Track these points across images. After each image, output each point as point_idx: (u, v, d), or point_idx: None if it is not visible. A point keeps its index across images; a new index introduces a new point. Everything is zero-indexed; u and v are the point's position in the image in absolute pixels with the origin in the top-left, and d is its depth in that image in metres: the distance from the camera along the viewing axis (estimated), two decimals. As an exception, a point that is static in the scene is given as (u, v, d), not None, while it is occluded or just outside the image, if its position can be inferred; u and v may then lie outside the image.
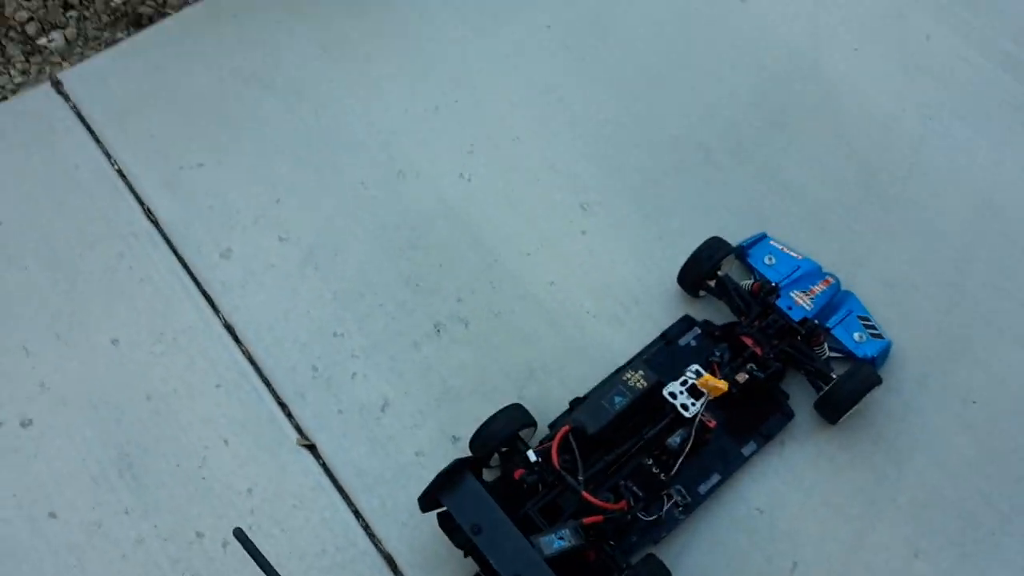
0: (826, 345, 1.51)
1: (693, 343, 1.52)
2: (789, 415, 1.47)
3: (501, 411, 1.37)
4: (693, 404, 1.35)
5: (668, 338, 1.53)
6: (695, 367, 1.38)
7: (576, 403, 1.43)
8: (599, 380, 1.48)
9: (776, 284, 1.53)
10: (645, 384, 1.37)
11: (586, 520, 1.25)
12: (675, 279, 1.60)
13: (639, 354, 1.52)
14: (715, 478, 1.40)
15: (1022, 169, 1.78)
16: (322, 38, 1.93)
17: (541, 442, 1.38)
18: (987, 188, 1.76)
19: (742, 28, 1.98)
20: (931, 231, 1.71)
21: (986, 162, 1.80)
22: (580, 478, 1.27)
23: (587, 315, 1.61)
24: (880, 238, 1.70)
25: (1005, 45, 1.96)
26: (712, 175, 1.77)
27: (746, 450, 1.43)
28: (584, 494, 1.26)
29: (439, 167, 1.77)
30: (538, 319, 1.60)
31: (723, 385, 1.35)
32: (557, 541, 1.23)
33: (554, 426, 1.42)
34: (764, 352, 1.43)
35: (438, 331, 1.58)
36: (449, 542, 1.29)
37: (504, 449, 1.36)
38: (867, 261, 1.67)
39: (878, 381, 1.43)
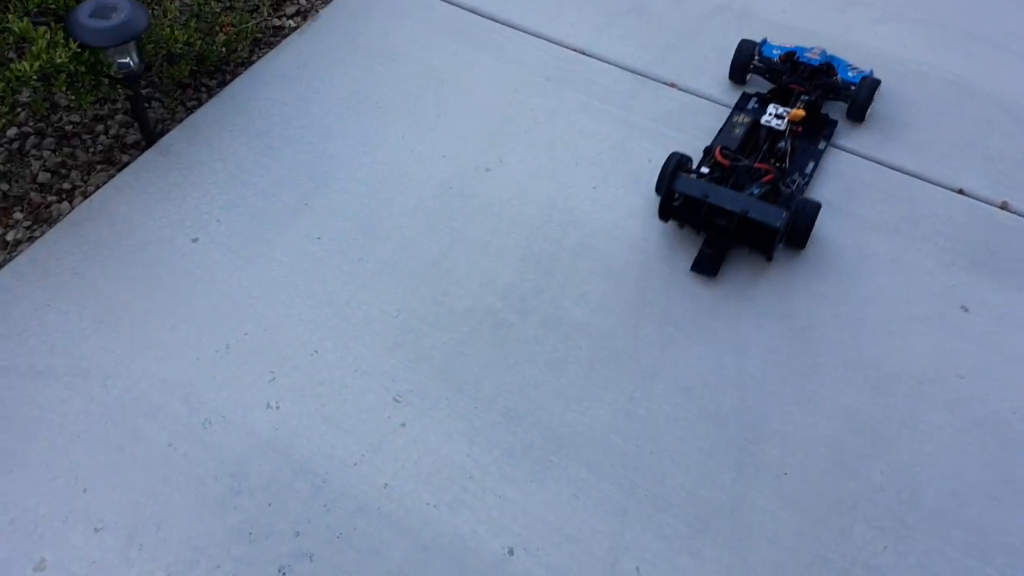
0: (838, 77, 2.33)
1: (756, 106, 2.32)
2: (834, 123, 2.30)
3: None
4: (781, 121, 2.13)
5: (739, 107, 2.32)
6: (771, 107, 2.18)
7: (707, 152, 2.14)
8: None
9: (793, 51, 2.34)
10: (750, 119, 2.19)
11: (764, 179, 2.00)
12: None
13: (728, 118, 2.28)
14: (811, 165, 2.20)
15: (757, 256, 2.04)
16: (94, 311, 1.91)
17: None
18: (739, 280, 2.00)
19: (494, 193, 2.16)
20: (703, 331, 1.90)
21: (731, 254, 2.04)
22: (745, 162, 2.05)
23: (429, 507, 1.63)
24: (666, 349, 1.87)
25: (713, 152, 2.26)
26: (506, 334, 1.89)
27: (820, 147, 2.24)
28: (755, 164, 2.05)
29: (244, 404, 1.77)
30: (381, 528, 1.60)
31: (801, 112, 2.14)
32: (756, 189, 1.98)
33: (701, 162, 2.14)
34: (807, 89, 2.25)
35: (284, 575, 1.54)
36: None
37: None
38: (661, 375, 1.83)
39: (878, 83, 2.29)
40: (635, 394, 1.79)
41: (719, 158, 2.07)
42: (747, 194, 1.96)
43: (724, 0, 2.69)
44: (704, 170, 2.06)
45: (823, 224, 2.08)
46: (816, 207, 2.00)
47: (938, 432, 1.75)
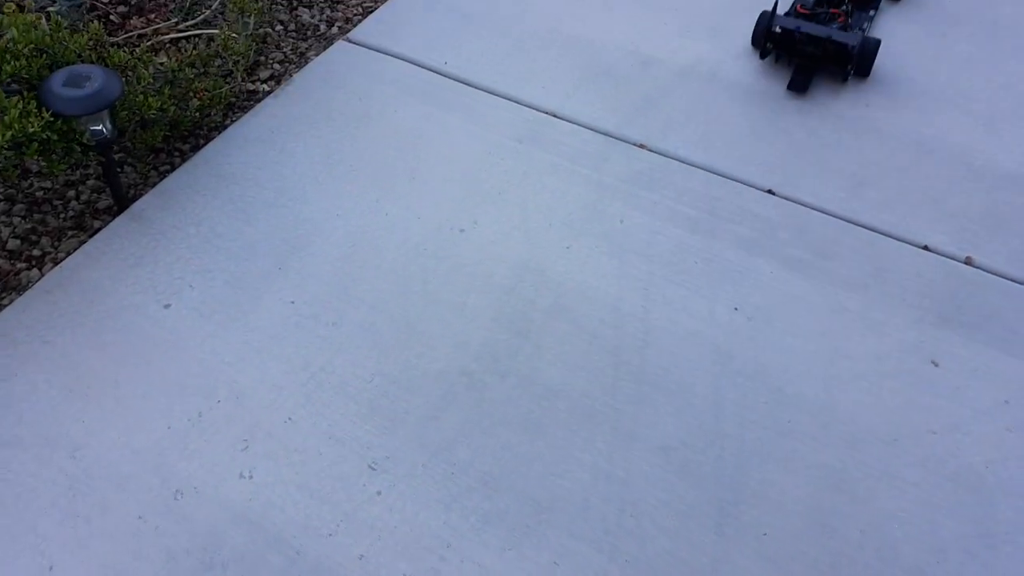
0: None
1: None
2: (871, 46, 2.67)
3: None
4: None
5: None
6: None
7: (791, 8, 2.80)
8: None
9: None
10: None
11: (839, 20, 2.67)
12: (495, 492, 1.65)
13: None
14: (867, 23, 2.77)
15: (731, 312, 2.06)
16: (64, 379, 1.88)
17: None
18: (712, 336, 2.01)
19: (468, 254, 2.17)
20: (681, 388, 1.91)
21: (703, 313, 2.06)
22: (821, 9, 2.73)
23: (405, 577, 1.60)
24: (642, 408, 1.87)
25: (686, 212, 2.30)
26: (481, 396, 1.88)
27: (871, 13, 2.82)
28: (832, 10, 2.70)
29: (217, 474, 1.74)
30: (357, 599, 1.57)
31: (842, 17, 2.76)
32: (835, 26, 2.65)
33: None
34: None
35: (257, 652, 1.50)
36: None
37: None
38: (637, 433, 1.82)
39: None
40: (613, 455, 1.78)
41: (800, 9, 2.74)
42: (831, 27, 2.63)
43: (690, 63, 2.76)
44: (779, 30, 2.65)
45: (790, 280, 2.12)
46: (877, 42, 2.62)
47: (914, 488, 1.75)
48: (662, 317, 2.05)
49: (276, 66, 2.74)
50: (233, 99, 2.59)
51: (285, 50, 2.80)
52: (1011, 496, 1.75)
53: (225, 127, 2.50)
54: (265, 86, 2.66)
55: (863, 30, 2.75)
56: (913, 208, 2.32)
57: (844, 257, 2.19)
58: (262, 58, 2.75)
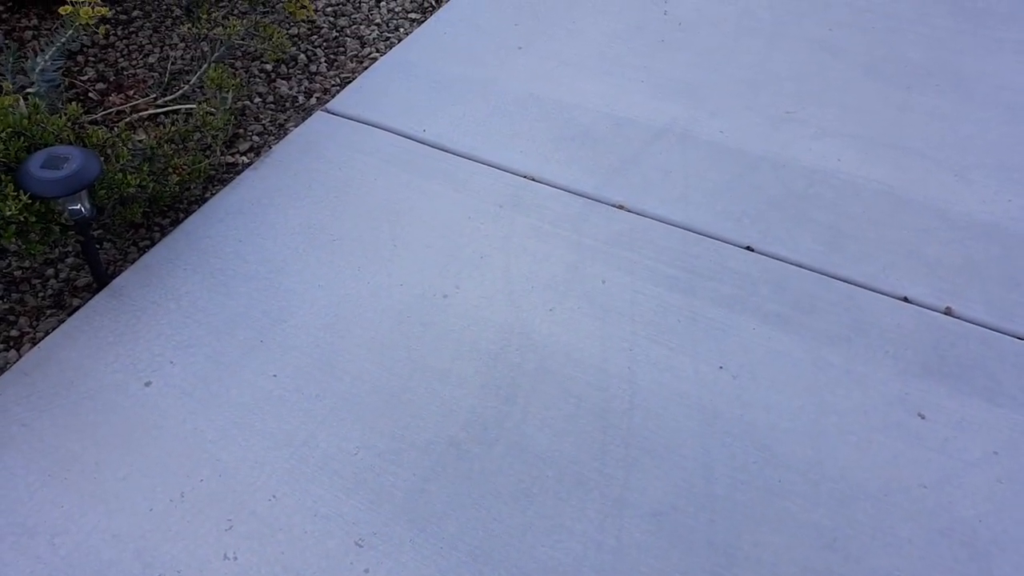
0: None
1: None
2: None
3: None
4: None
5: None
6: None
7: None
8: None
9: None
10: None
11: None
12: (467, 588, 1.61)
13: None
14: None
15: (716, 371, 2.06)
16: (42, 463, 1.84)
17: None
18: (699, 396, 2.01)
19: (452, 320, 2.17)
20: (670, 450, 1.90)
21: (688, 372, 2.06)
22: None
23: (395, 659, 1.56)
24: (632, 473, 1.85)
25: (666, 271, 2.31)
26: (470, 466, 1.86)
27: None
28: None
29: (200, 556, 1.69)
30: None
31: None
32: None
33: None
34: None
35: None
36: None
37: None
38: (628, 499, 1.80)
39: None
40: (605, 523, 1.76)
41: None
42: None
43: (664, 125, 2.81)
44: None
45: (772, 337, 2.13)
46: None
47: (907, 545, 1.74)
48: (648, 378, 2.04)
49: (255, 138, 2.76)
50: (213, 172, 2.60)
51: (264, 122, 2.82)
52: (1006, 550, 1.73)
53: (205, 200, 2.51)
54: (245, 158, 2.68)
55: None
56: (891, 260, 2.34)
57: (825, 311, 2.20)
58: (241, 130, 2.77)
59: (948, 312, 2.21)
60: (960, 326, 2.18)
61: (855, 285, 2.28)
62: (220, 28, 2.52)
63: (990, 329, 2.17)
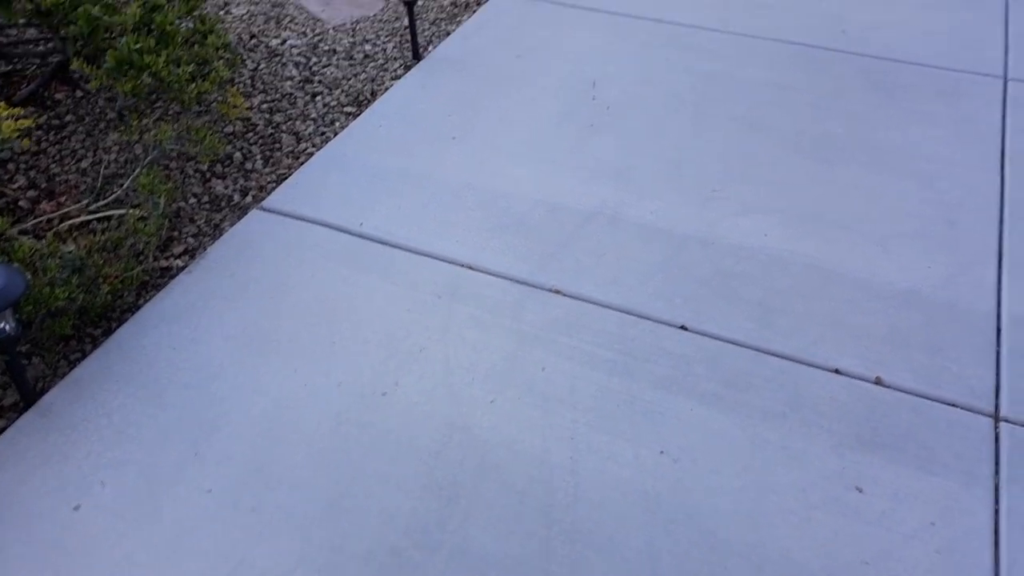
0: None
1: None
2: None
3: None
4: None
5: None
6: None
7: None
8: None
9: None
10: None
11: None
12: None
13: None
14: None
15: (656, 456, 2.07)
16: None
17: None
18: (641, 482, 2.01)
19: (391, 419, 2.15)
20: (614, 543, 1.89)
21: (629, 459, 2.07)
22: None
23: None
24: (577, 572, 1.83)
25: (604, 354, 2.34)
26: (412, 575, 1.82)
27: None
28: None
29: None
30: None
31: None
32: None
33: None
34: None
35: None
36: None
37: None
38: (574, 597, 1.78)
39: None
40: (550, 624, 1.73)
41: None
42: None
43: (595, 208, 2.87)
44: None
45: (709, 417, 2.15)
46: None
47: (854, 626, 1.74)
48: (590, 467, 2.04)
49: (190, 240, 2.75)
50: (146, 278, 2.57)
51: (199, 223, 2.82)
52: (948, 624, 1.74)
53: (139, 308, 2.48)
54: (179, 262, 2.66)
55: None
56: (821, 332, 2.40)
57: (760, 388, 2.24)
58: (175, 233, 2.76)
59: (878, 382, 2.26)
60: (891, 395, 2.23)
61: (787, 359, 2.33)
62: (150, 133, 2.54)
63: (919, 396, 2.22)
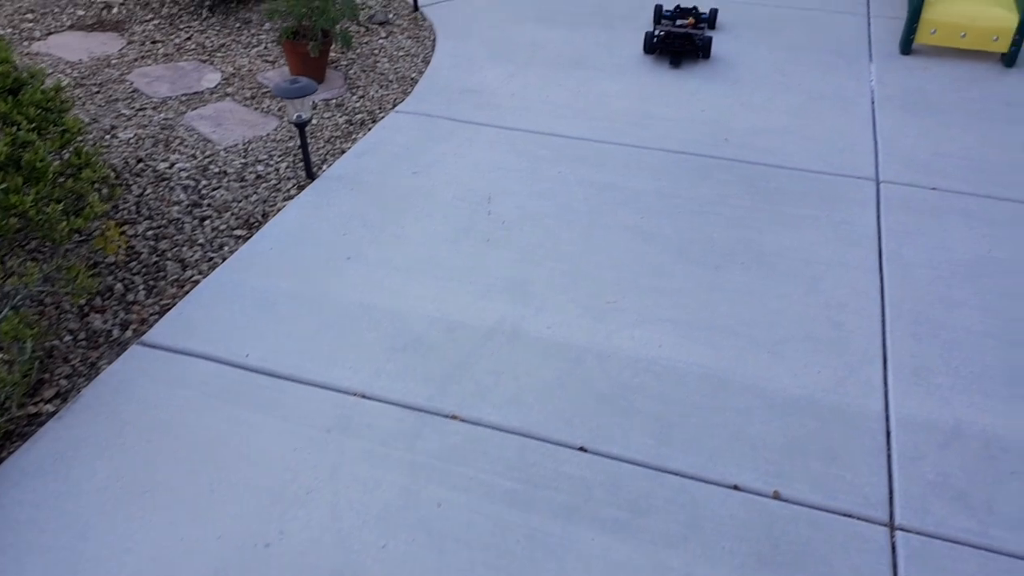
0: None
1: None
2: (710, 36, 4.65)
3: None
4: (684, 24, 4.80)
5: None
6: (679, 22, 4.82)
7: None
8: None
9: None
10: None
11: (688, 24, 4.78)
12: None
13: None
14: (709, 34, 4.78)
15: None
16: None
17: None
18: (541, 625, 1.92)
19: (273, 574, 2.01)
20: None
21: (530, 599, 1.98)
22: (679, 22, 4.83)
23: None
24: None
25: (503, 484, 2.26)
26: None
27: (709, 35, 4.70)
28: (688, 21, 4.86)
29: None
30: None
31: (692, 20, 4.86)
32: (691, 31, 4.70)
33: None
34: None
35: None
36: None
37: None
38: None
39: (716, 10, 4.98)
40: None
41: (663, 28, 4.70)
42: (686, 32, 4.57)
43: (494, 324, 2.85)
44: (660, 32, 4.67)
45: (611, 547, 2.09)
46: (710, 37, 4.65)
47: None
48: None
49: (63, 382, 2.59)
50: (12, 427, 2.39)
51: (74, 362, 2.66)
52: None
53: (1, 461, 2.29)
54: (49, 406, 2.49)
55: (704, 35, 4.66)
56: (718, 446, 2.40)
57: (660, 510, 2.20)
58: (47, 375, 2.60)
59: (776, 496, 2.25)
60: (789, 509, 2.22)
61: (687, 478, 2.30)
62: (15, 277, 2.40)
63: (816, 509, 2.22)
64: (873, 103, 4.26)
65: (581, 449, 2.38)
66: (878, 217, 3.40)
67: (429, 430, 2.44)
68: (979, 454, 2.39)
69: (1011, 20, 4.50)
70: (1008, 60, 4.61)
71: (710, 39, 4.64)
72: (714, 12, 5.03)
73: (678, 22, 4.88)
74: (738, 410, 2.52)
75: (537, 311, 2.92)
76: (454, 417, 2.49)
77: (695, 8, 5.01)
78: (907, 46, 4.75)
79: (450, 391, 2.58)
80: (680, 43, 4.60)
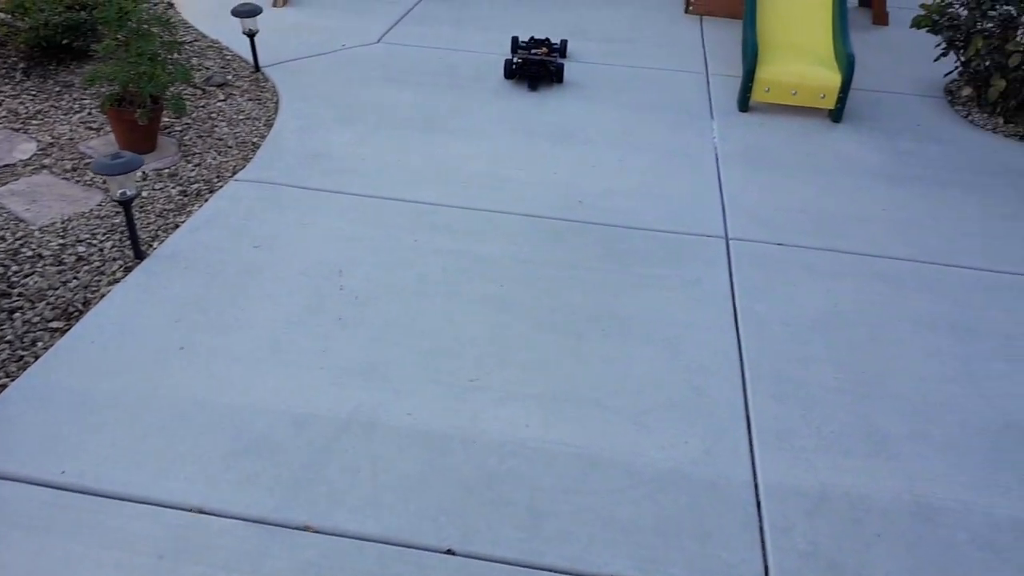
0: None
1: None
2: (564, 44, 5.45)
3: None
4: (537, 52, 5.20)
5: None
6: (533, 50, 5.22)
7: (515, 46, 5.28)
8: None
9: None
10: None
11: (542, 53, 5.19)
12: None
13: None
14: (561, 61, 5.21)
15: None
16: None
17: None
18: None
19: None
20: None
21: None
22: (534, 52, 5.21)
23: None
24: None
25: (361, 601, 2.05)
26: None
27: (561, 62, 5.18)
28: (542, 50, 5.25)
29: None
30: None
31: (546, 49, 5.28)
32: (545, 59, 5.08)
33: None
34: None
35: None
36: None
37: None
38: None
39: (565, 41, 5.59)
40: None
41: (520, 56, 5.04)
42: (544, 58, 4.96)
43: (349, 414, 2.64)
44: (518, 59, 5.03)
45: (489, 664, 1.91)
46: (562, 64, 5.11)
47: None
48: None
49: None
50: None
51: None
52: None
53: None
54: None
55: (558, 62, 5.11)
56: (591, 533, 2.28)
57: (535, 615, 2.05)
58: None
59: (654, 585, 2.15)
60: (667, 599, 2.12)
61: (559, 573, 2.17)
62: None
63: (695, 595, 2.14)
64: (718, 160, 4.38)
65: (449, 552, 2.21)
66: (730, 275, 3.46)
67: (278, 546, 2.19)
68: (845, 518, 2.40)
69: (835, 80, 4.79)
70: (835, 116, 4.89)
71: (562, 65, 5.11)
72: (564, 42, 5.48)
73: (533, 51, 5.24)
74: (609, 491, 2.43)
75: (396, 396, 2.73)
76: (307, 528, 2.26)
77: (547, 39, 5.44)
78: (744, 104, 4.96)
79: (301, 497, 2.34)
80: (536, 68, 5.03)
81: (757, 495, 2.45)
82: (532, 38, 5.47)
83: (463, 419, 2.65)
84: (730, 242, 3.69)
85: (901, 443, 2.66)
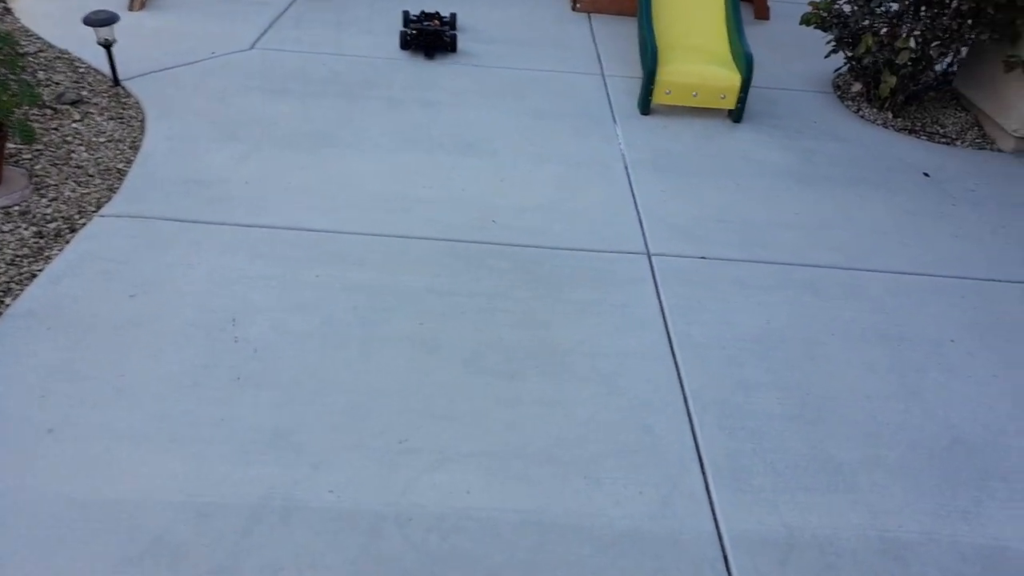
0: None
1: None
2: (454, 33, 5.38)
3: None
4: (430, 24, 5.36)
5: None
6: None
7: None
8: None
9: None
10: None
11: (434, 24, 5.38)
12: None
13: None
14: (454, 32, 5.42)
15: None
16: None
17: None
18: None
19: None
20: None
21: None
22: (426, 23, 5.36)
23: None
24: None
25: None
26: None
27: (454, 32, 5.41)
28: (433, 22, 5.39)
29: None
30: None
31: (438, 21, 5.45)
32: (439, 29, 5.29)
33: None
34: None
35: None
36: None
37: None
38: None
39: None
40: None
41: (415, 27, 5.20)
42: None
43: (260, 498, 2.28)
44: (413, 31, 5.21)
45: None
46: (455, 34, 5.30)
47: None
48: None
49: None
50: None
51: None
52: None
53: None
54: None
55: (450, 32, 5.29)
56: (555, 617, 2.04)
57: None
58: None
59: (633, 674, 1.93)
60: None
61: (529, 673, 1.91)
62: None
63: None
64: (627, 168, 4.21)
65: (397, 661, 1.91)
66: (658, 295, 3.28)
67: None
68: (817, 564, 2.25)
69: (735, 80, 4.71)
70: (735, 116, 4.82)
71: (455, 35, 5.35)
72: (453, 16, 5.57)
73: (425, 23, 5.39)
74: (568, 563, 2.19)
75: (313, 470, 2.39)
76: (224, 648, 1.90)
77: (437, 12, 5.56)
78: (646, 106, 4.82)
79: (214, 608, 1.98)
80: (431, 39, 5.25)
81: (723, 548, 2.28)
82: (423, 11, 5.57)
83: (394, 491, 2.35)
84: (653, 258, 3.51)
85: (857, 472, 2.55)
